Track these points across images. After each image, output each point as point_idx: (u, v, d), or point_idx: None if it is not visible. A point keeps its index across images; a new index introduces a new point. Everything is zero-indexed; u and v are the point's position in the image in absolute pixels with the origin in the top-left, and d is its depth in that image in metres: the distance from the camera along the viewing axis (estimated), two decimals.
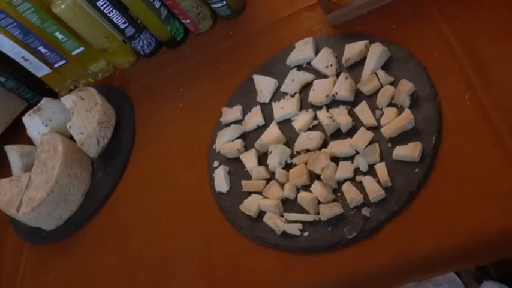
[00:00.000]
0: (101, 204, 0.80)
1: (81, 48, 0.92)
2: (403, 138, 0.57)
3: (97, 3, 0.81)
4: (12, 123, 1.02)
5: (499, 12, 0.58)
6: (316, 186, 0.59)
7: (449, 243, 0.50)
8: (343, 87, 0.63)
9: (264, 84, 0.72)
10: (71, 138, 0.85)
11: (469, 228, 0.50)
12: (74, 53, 0.93)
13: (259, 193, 0.63)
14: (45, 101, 0.91)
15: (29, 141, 0.93)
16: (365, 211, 0.55)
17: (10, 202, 0.79)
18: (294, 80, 0.70)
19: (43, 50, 0.92)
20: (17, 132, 1.00)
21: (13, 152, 0.89)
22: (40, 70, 0.97)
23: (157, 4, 0.82)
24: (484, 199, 0.50)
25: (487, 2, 0.60)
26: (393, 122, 0.58)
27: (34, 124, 0.90)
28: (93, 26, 0.87)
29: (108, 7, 0.82)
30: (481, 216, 0.50)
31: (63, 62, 0.95)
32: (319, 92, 0.66)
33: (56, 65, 0.96)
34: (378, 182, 0.56)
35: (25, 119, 0.90)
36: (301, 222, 0.58)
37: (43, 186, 0.77)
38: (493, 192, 0.50)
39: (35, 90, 1.02)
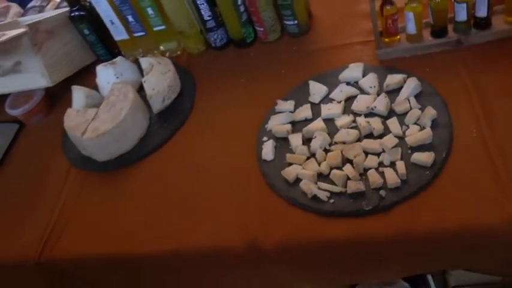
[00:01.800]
0: (153, 150, 0.92)
1: (163, 27, 1.08)
2: (421, 148, 0.74)
3: None
4: (77, 72, 1.15)
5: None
6: (348, 167, 0.75)
7: (444, 229, 0.66)
8: (381, 103, 0.81)
9: (317, 89, 0.89)
10: None
11: (461, 221, 0.65)
12: (155, 28, 1.08)
13: (299, 165, 0.78)
14: (120, 59, 1.05)
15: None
16: (382, 192, 0.71)
17: (76, 127, 0.92)
18: (342, 91, 0.87)
19: (130, 19, 1.08)
20: (80, 80, 1.14)
21: (80, 91, 1.01)
22: (119, 35, 1.12)
23: (242, 8, 1.01)
24: (475, 202, 0.66)
25: (503, 65, 0.80)
26: (416, 135, 0.75)
27: (106, 74, 1.03)
28: (182, 11, 1.04)
29: None
30: (472, 213, 0.65)
31: (143, 33, 1.10)
32: (361, 103, 0.84)
33: (135, 35, 1.11)
34: (396, 173, 0.72)
35: (99, 67, 1.04)
36: (329, 192, 0.74)
37: (110, 121, 0.90)
38: (482, 198, 0.66)
39: (108, 50, 1.16)
